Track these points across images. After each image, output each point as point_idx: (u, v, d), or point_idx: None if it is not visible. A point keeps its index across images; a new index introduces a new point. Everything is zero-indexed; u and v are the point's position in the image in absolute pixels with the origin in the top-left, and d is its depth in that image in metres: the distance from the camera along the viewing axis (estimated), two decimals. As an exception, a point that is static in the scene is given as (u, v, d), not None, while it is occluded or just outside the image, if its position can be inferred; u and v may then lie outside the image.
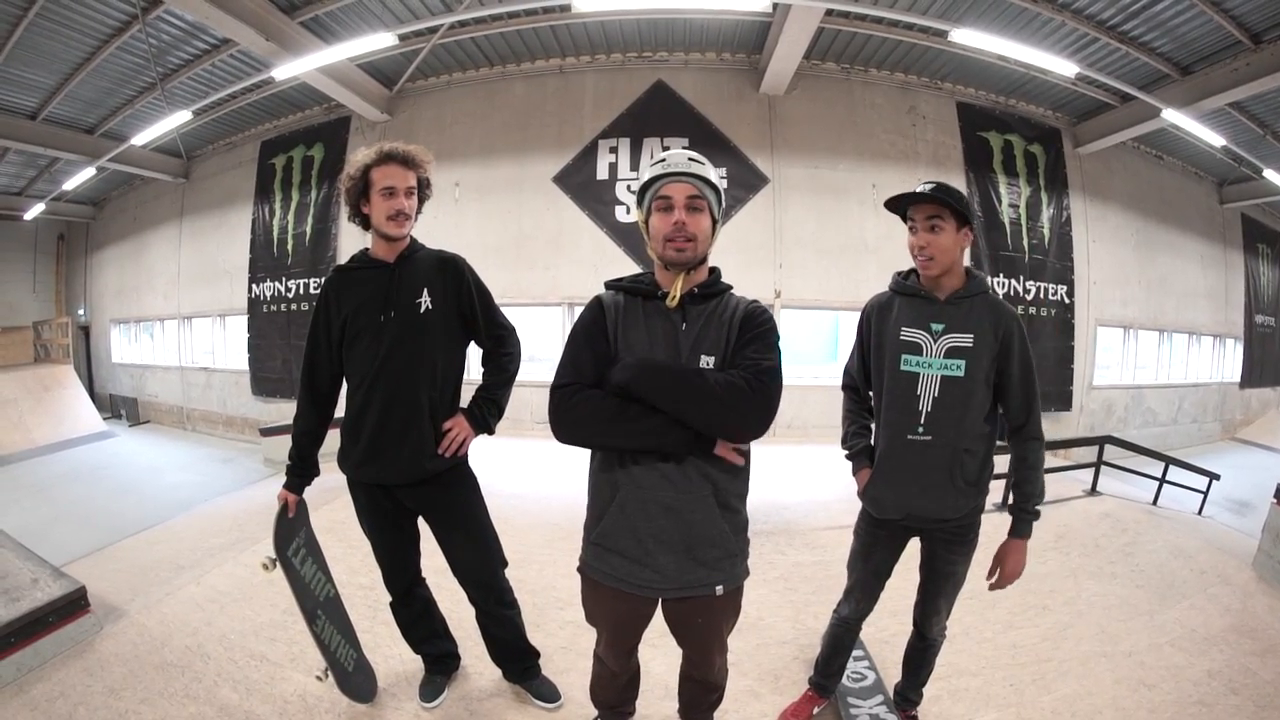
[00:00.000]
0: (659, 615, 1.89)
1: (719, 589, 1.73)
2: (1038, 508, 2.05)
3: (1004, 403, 2.04)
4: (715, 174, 1.72)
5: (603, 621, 1.96)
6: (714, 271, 1.83)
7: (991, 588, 2.13)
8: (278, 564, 2.24)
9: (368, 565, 3.77)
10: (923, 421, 2.02)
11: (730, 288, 1.83)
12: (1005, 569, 2.09)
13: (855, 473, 2.27)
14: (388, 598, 2.52)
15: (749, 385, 1.61)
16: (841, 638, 2.47)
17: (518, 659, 2.60)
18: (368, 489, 2.30)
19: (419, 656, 2.68)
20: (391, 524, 2.35)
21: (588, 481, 1.84)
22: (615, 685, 2.18)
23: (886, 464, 2.11)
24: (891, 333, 2.08)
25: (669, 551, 1.68)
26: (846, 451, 2.31)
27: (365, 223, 2.23)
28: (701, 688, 2.13)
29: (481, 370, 2.41)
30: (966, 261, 2.09)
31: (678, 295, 1.71)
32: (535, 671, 2.64)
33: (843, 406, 2.36)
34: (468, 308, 2.27)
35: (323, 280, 2.34)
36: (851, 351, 2.28)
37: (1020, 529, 2.06)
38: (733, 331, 1.71)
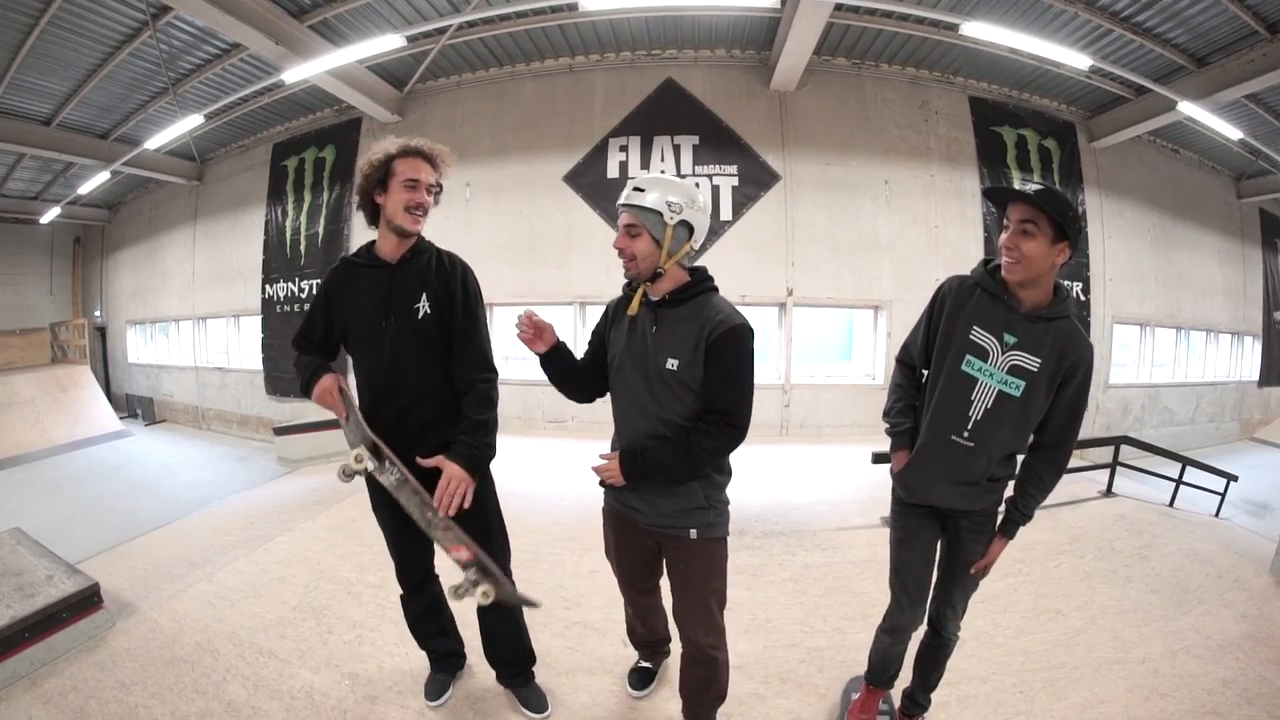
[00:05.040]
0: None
1: (693, 533, 2.06)
2: (1029, 517, 2.09)
3: (1043, 422, 2.00)
4: (668, 197, 1.92)
5: (613, 550, 2.35)
6: (695, 272, 2.07)
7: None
8: (367, 466, 2.05)
9: (377, 564, 3.82)
10: (969, 427, 2.00)
11: (710, 289, 2.05)
12: (988, 557, 2.14)
13: (893, 451, 2.24)
14: (396, 596, 2.52)
15: (710, 434, 1.95)
16: (890, 653, 2.42)
17: (514, 660, 2.58)
18: None
19: (424, 654, 2.68)
20: (406, 518, 2.27)
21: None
22: (641, 626, 2.59)
23: (924, 456, 2.10)
24: (961, 328, 2.01)
25: (654, 491, 2.06)
26: (888, 426, 2.26)
27: (373, 214, 2.21)
28: (699, 667, 2.23)
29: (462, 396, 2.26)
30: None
31: (636, 305, 2.05)
32: (528, 678, 2.62)
33: (892, 379, 2.30)
34: (454, 324, 2.21)
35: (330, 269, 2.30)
36: (916, 326, 2.21)
37: (1009, 530, 2.11)
38: (701, 347, 1.93)
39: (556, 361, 2.18)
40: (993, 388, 1.96)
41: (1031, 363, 1.91)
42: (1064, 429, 1.99)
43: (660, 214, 1.92)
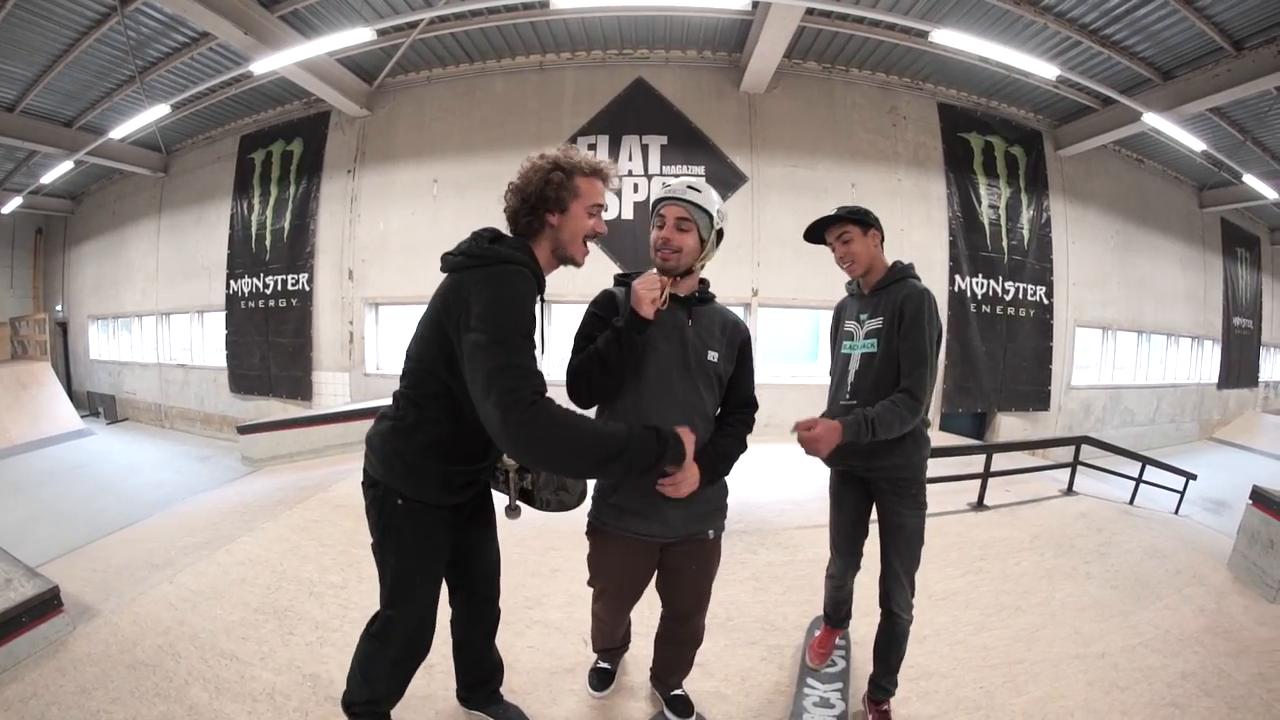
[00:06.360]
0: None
1: (711, 533, 2.18)
2: (872, 431, 2.17)
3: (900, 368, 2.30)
4: (716, 203, 2.06)
5: (611, 575, 2.29)
6: (703, 281, 2.21)
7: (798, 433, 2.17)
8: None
9: (339, 564, 3.79)
10: (848, 390, 2.46)
11: (712, 294, 2.22)
12: (816, 431, 2.13)
13: None
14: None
15: (749, 424, 2.21)
16: (836, 596, 2.87)
17: (485, 678, 2.45)
18: (451, 514, 2.04)
19: None
20: (447, 552, 2.12)
21: None
22: (614, 636, 2.61)
23: None
24: (841, 328, 2.59)
25: (675, 507, 2.03)
26: None
27: (534, 227, 1.92)
28: (684, 647, 2.42)
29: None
30: (900, 259, 2.50)
31: (665, 298, 2.00)
32: (499, 696, 2.49)
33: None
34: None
35: (523, 270, 1.81)
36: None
37: (847, 424, 2.16)
38: (734, 345, 2.16)
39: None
40: (858, 354, 2.45)
41: (878, 322, 2.38)
42: (910, 363, 2.26)
43: (712, 215, 2.05)
